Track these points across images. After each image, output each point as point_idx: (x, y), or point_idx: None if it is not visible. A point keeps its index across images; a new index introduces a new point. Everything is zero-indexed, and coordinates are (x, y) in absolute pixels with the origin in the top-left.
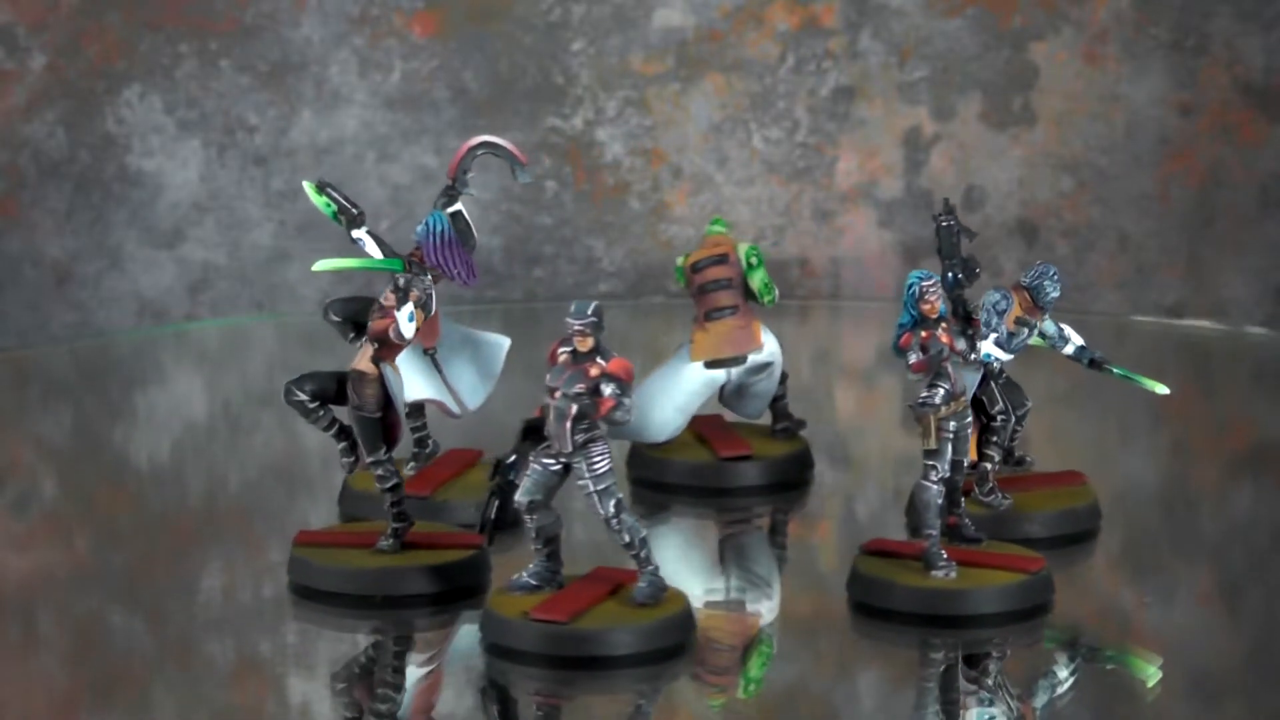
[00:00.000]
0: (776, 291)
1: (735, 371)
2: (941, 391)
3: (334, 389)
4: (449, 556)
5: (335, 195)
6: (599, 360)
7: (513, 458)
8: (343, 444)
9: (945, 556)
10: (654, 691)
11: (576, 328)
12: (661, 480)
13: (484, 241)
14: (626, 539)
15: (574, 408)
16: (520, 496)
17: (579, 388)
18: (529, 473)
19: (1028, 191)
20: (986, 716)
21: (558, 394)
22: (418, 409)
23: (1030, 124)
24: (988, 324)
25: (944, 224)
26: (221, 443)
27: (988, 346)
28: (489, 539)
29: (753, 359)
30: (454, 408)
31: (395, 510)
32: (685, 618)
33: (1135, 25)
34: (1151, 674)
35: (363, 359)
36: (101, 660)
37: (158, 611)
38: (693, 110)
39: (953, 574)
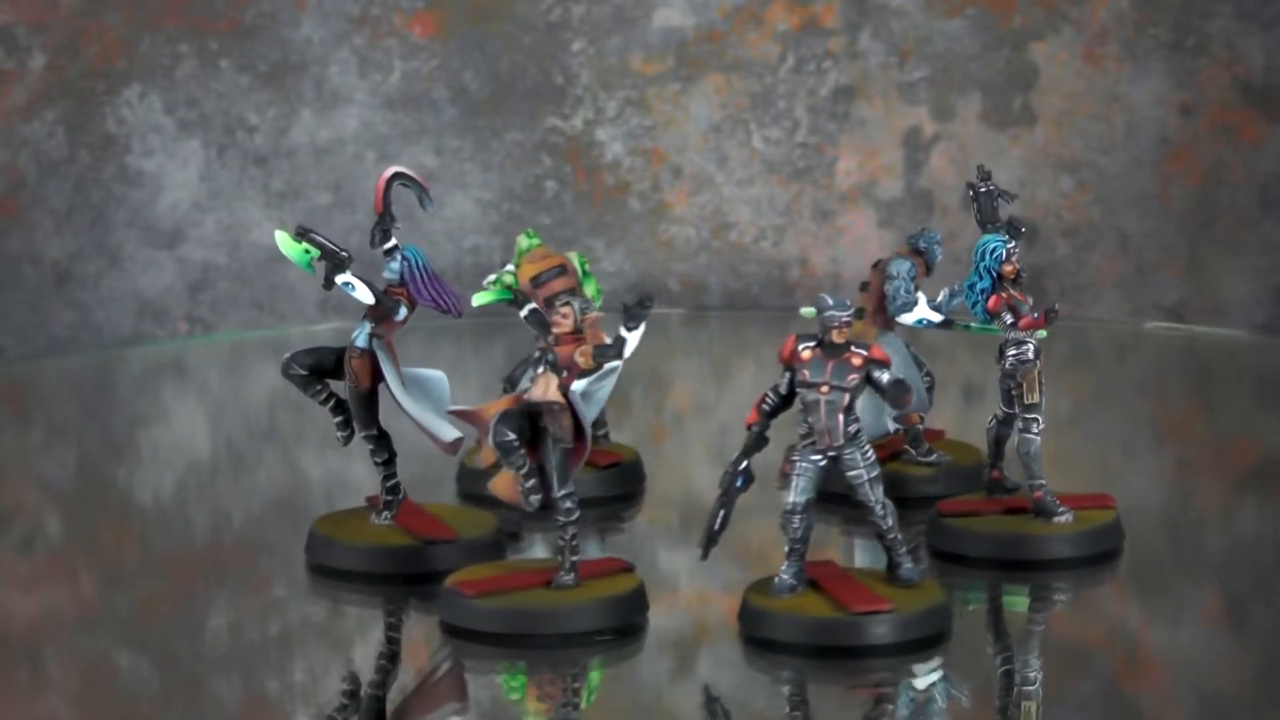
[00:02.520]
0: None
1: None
2: (1031, 347)
3: (530, 427)
4: (623, 586)
5: (320, 240)
6: (856, 349)
7: (744, 464)
8: (532, 481)
9: (1060, 503)
10: (910, 677)
11: (844, 319)
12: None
13: (484, 241)
14: (889, 523)
15: (848, 398)
16: (796, 498)
17: (851, 379)
18: (799, 473)
19: (1028, 191)
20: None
21: (825, 388)
22: (392, 458)
23: (1030, 124)
24: (909, 291)
25: (983, 189)
26: (224, 478)
27: (921, 311)
28: (706, 551)
29: (605, 365)
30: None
31: (575, 544)
32: (944, 607)
33: (1135, 25)
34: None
35: (550, 390)
36: (109, 701)
37: (165, 651)
38: (693, 110)
39: (1070, 518)
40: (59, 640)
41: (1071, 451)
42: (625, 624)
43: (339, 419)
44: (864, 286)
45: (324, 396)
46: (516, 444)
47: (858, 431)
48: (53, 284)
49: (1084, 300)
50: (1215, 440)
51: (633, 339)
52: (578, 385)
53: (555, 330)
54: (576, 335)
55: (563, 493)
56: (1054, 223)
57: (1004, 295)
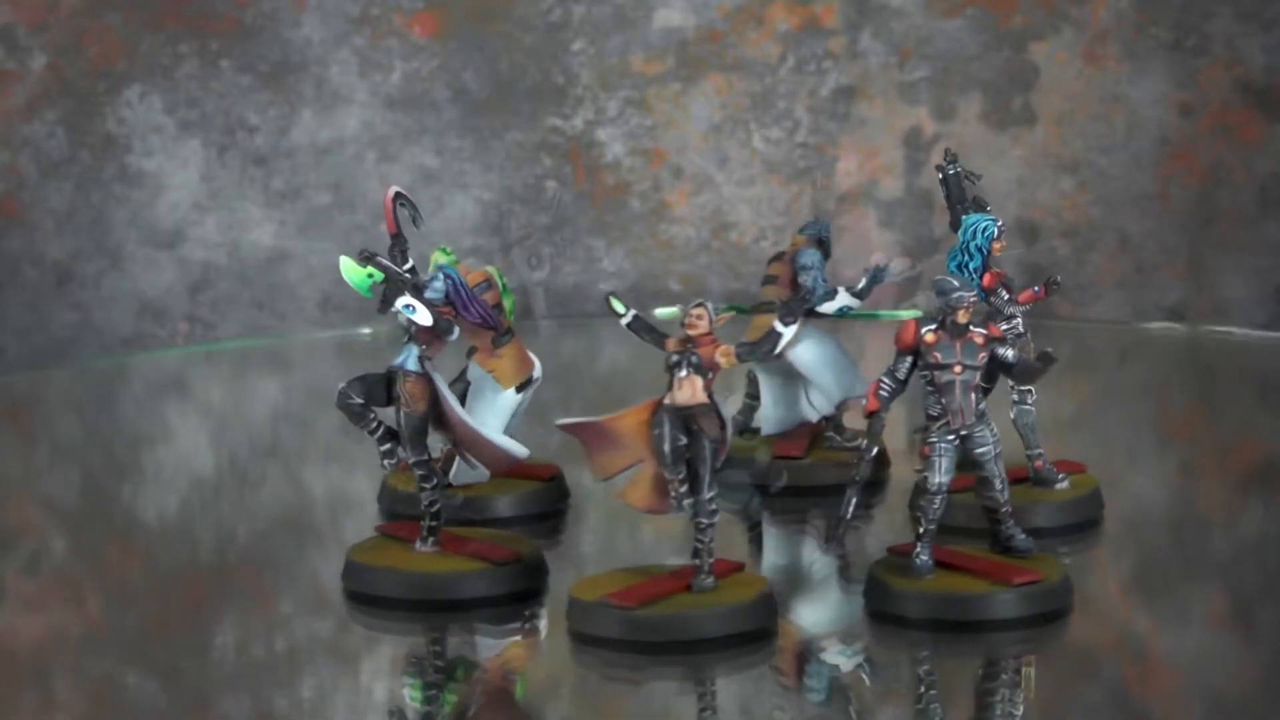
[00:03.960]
0: None
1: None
2: (1019, 320)
3: (687, 432)
4: (759, 585)
5: (385, 264)
6: (975, 329)
7: (875, 450)
8: (687, 485)
9: (1057, 472)
10: (1030, 651)
11: (970, 299)
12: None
13: (484, 242)
14: (1005, 496)
15: (978, 377)
16: (942, 478)
17: (981, 356)
18: (940, 453)
19: (1028, 191)
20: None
21: (959, 368)
22: (439, 484)
23: (1030, 124)
24: (825, 280)
25: (952, 172)
26: (229, 495)
27: (843, 299)
28: (835, 539)
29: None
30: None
31: (712, 545)
32: (1066, 582)
33: (1135, 25)
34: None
35: (696, 393)
36: None
37: (172, 669)
38: (693, 110)
39: (1068, 484)
40: (66, 661)
41: (1076, 453)
42: (768, 625)
43: (386, 446)
44: (769, 280)
45: (374, 426)
46: (681, 447)
47: (984, 410)
48: (53, 284)
49: (1085, 300)
50: (1218, 441)
51: (788, 333)
52: (517, 399)
53: (691, 333)
54: (711, 336)
55: (711, 494)
56: (1054, 223)
57: (997, 272)
